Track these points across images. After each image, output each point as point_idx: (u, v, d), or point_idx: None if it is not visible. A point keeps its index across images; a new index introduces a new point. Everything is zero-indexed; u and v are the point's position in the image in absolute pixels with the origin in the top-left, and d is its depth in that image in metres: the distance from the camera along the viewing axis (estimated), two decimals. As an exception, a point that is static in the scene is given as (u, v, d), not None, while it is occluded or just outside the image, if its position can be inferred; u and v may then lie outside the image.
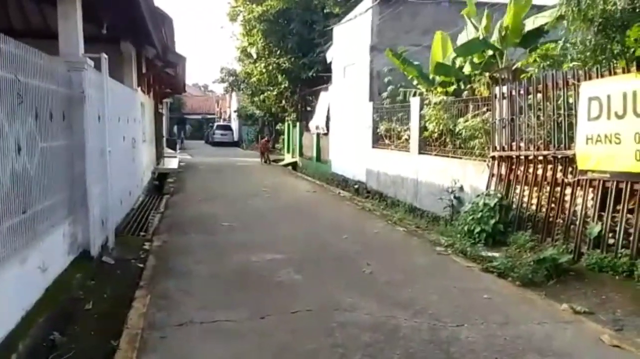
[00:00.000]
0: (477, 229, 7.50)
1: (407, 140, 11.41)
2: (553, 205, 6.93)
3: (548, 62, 8.05)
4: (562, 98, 6.88)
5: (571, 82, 6.77)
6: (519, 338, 4.31)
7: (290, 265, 6.32)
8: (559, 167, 6.92)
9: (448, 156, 9.62)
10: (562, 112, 6.87)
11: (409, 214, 10.26)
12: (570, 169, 6.75)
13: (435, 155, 10.04)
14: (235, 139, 44.17)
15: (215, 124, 49.30)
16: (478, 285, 5.78)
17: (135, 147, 10.42)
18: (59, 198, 5.55)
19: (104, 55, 6.60)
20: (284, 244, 7.51)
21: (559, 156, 6.88)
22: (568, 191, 6.74)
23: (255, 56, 22.97)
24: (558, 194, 6.86)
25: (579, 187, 6.55)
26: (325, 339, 4.11)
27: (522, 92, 7.67)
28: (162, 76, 17.21)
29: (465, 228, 7.70)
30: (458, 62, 10.72)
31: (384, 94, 13.14)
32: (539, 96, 7.33)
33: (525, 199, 7.44)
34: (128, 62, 11.50)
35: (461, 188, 9.04)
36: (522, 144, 7.64)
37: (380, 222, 9.58)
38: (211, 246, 7.37)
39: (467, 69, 10.44)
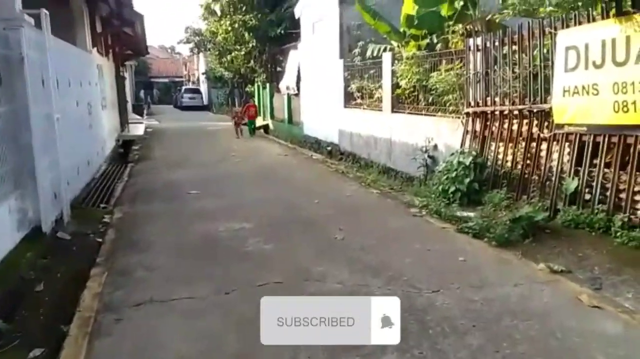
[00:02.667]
0: (452, 189, 7.30)
1: (379, 99, 11.04)
2: (529, 161, 6.74)
3: (524, 7, 7.67)
4: (538, 49, 6.58)
5: (548, 31, 6.47)
6: (495, 301, 4.14)
7: (259, 234, 6.02)
8: (535, 122, 6.70)
9: (421, 114, 9.32)
10: (538, 63, 6.58)
11: (382, 176, 10.02)
12: (546, 123, 6.54)
13: (409, 113, 9.73)
14: (205, 102, 43.05)
15: (183, 87, 47.86)
16: (453, 247, 5.60)
17: (92, 113, 9.80)
18: (1, 171, 5.08)
19: (44, 11, 5.96)
20: (253, 211, 7.18)
21: (535, 110, 6.64)
22: (544, 146, 6.54)
23: (219, 13, 21.92)
24: (534, 150, 6.66)
25: (555, 142, 6.36)
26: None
27: (496, 43, 7.34)
28: (121, 36, 16.28)
29: (440, 188, 7.49)
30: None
31: (355, 51, 12.64)
32: (515, 47, 7.01)
33: (501, 157, 7.25)
34: (80, 21, 10.73)
35: (435, 147, 8.79)
36: (497, 99, 7.37)
37: (353, 184, 9.32)
38: (176, 216, 7.00)
39: (436, 22, 10.02)
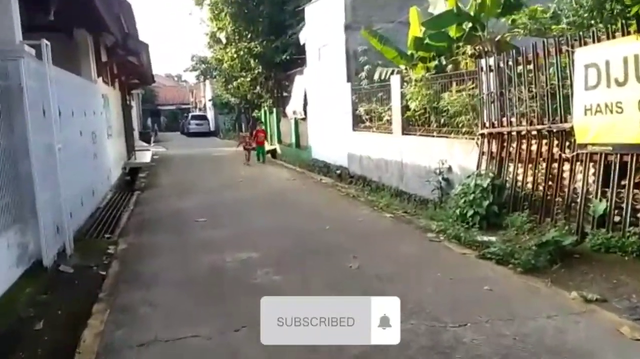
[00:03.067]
0: (470, 212, 6.99)
1: (388, 121, 10.84)
2: (550, 183, 6.44)
3: (536, 26, 7.50)
4: (554, 67, 6.35)
5: (564, 49, 6.24)
6: (529, 336, 3.80)
7: (268, 264, 5.72)
8: (555, 142, 6.42)
9: (433, 136, 9.07)
10: (555, 82, 6.34)
11: (395, 199, 9.72)
12: (567, 143, 6.26)
13: (420, 135, 9.50)
14: (212, 128, 43.18)
15: (190, 114, 48.11)
16: (476, 274, 5.27)
17: (97, 142, 9.64)
18: (1, 204, 4.87)
19: (45, 42, 5.82)
20: (260, 239, 6.90)
21: (555, 130, 6.37)
22: (566, 166, 6.25)
23: (225, 41, 22.01)
24: (555, 171, 6.37)
25: (578, 163, 6.07)
26: (308, 356, 3.53)
27: (510, 63, 7.12)
28: (127, 66, 16.30)
29: (457, 211, 7.18)
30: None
31: (362, 75, 12.51)
32: (530, 66, 6.79)
33: (520, 178, 6.95)
34: (84, 51, 10.66)
35: (449, 169, 8.52)
36: (513, 119, 7.12)
37: (365, 208, 9.03)
38: (182, 246, 6.72)
39: (444, 44, 9.88)
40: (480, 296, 4.67)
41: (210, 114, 45.46)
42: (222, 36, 21.98)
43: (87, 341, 3.90)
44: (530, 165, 6.82)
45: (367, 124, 11.96)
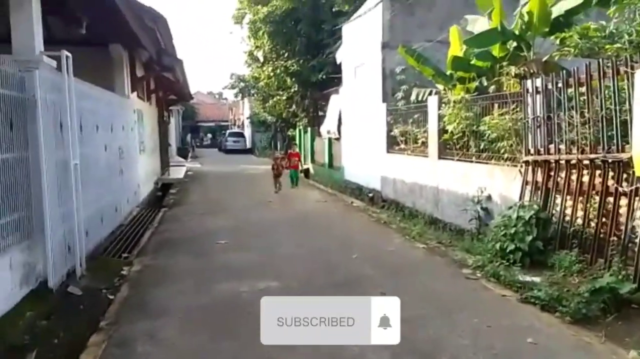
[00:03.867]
0: (511, 247, 6.34)
1: (424, 144, 10.28)
2: (604, 219, 5.74)
3: (588, 45, 6.88)
4: (611, 90, 5.70)
5: (623, 70, 5.60)
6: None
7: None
8: (610, 174, 5.73)
9: (472, 161, 8.47)
10: (612, 107, 5.69)
11: (429, 227, 9.11)
12: (624, 175, 5.56)
13: (458, 160, 8.90)
14: (248, 146, 43.48)
15: (228, 131, 48.69)
16: (518, 322, 4.65)
17: (125, 158, 9.48)
18: (6, 221, 4.62)
19: (66, 53, 5.64)
20: (282, 267, 6.46)
21: (610, 160, 5.69)
22: (623, 201, 5.55)
23: (262, 59, 22.05)
24: (610, 206, 5.67)
25: (637, 198, 5.36)
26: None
27: (559, 85, 6.51)
28: (164, 82, 16.40)
29: (497, 246, 6.54)
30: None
31: (398, 95, 12.04)
32: (582, 89, 6.16)
33: (569, 212, 6.26)
34: (119, 66, 10.64)
35: (489, 197, 7.88)
36: (562, 146, 6.47)
37: (396, 237, 8.47)
38: (198, 271, 6.34)
39: (487, 64, 9.33)
40: (522, 350, 4.07)
41: (247, 132, 45.87)
42: (259, 54, 22.05)
43: (74, 382, 3.52)
44: (580, 198, 6.13)
45: (402, 146, 11.43)
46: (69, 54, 5.74)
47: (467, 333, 4.36)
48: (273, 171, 14.95)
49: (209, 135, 59.03)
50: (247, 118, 43.89)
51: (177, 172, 19.71)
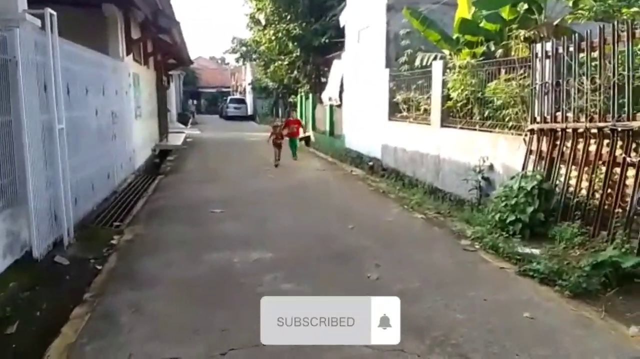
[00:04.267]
0: (511, 218, 6.15)
1: (427, 111, 9.98)
2: (610, 190, 5.51)
3: (603, 8, 6.51)
4: (625, 55, 5.37)
5: (639, 34, 5.27)
6: (580, 385, 3.05)
7: (279, 268, 5.11)
8: (619, 143, 5.47)
9: (475, 129, 8.18)
10: (625, 73, 5.37)
11: (428, 197, 8.91)
12: (634, 145, 5.31)
13: (461, 128, 8.62)
14: (250, 112, 43.06)
15: (229, 97, 48.10)
16: (515, 296, 4.49)
17: (118, 123, 9.23)
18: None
19: (50, 11, 5.32)
20: (277, 237, 6.31)
21: (620, 129, 5.41)
22: (631, 172, 5.31)
23: (264, 22, 21.43)
24: (617, 177, 5.44)
25: (646, 169, 5.13)
26: None
27: (571, 49, 6.17)
28: (161, 45, 15.96)
29: (497, 217, 6.35)
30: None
31: (402, 60, 11.64)
32: (595, 53, 5.83)
33: (573, 183, 6.04)
34: (113, 27, 10.28)
35: (491, 167, 7.65)
36: (569, 114, 6.18)
37: (395, 207, 8.28)
38: (191, 240, 6.19)
39: (495, 26, 8.92)
40: (518, 326, 3.91)
41: (249, 98, 45.33)
42: (261, 17, 21.41)
43: (51, 356, 3.39)
44: (586, 168, 5.89)
45: (404, 113, 11.12)
46: (54, 12, 5.42)
47: (463, 307, 4.20)
48: (271, 140, 13.68)
49: (204, 101, 58.24)
50: (249, 84, 43.29)
51: (176, 139, 19.45)
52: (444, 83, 9.01)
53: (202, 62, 65.12)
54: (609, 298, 4.41)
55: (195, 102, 52.50)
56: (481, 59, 8.58)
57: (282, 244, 6.00)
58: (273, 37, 20.72)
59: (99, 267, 5.27)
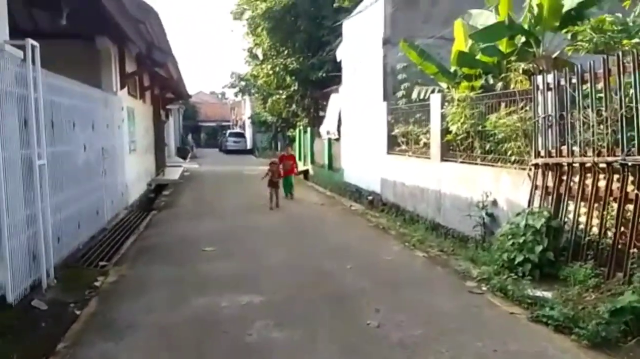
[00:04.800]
0: (520, 259, 5.80)
1: (426, 145, 9.75)
2: (623, 229, 5.19)
3: (603, 39, 6.35)
4: (633, 85, 5.15)
5: (645, 64, 5.06)
6: None
7: (270, 313, 4.74)
8: (630, 178, 5.19)
9: (477, 163, 7.93)
10: (633, 105, 5.14)
11: (430, 233, 8.58)
12: (646, 180, 5.03)
13: (461, 162, 8.36)
14: (249, 146, 43.05)
15: (228, 131, 48.22)
16: (528, 347, 4.11)
17: (109, 158, 8.97)
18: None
19: (31, 42, 5.12)
20: (269, 278, 5.94)
21: (630, 163, 5.14)
22: (645, 210, 5.01)
23: (261, 57, 21.53)
24: (630, 214, 5.13)
25: (661, 206, 4.83)
26: None
27: (574, 81, 5.96)
28: (157, 78, 15.90)
29: (504, 256, 6.00)
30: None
31: (399, 93, 11.51)
32: (600, 85, 5.62)
33: (582, 220, 5.73)
34: (106, 60, 10.17)
35: (494, 202, 7.35)
36: (575, 148, 5.92)
37: (395, 244, 7.93)
38: (177, 282, 5.82)
39: (493, 59, 8.79)
40: (534, 382, 3.53)
41: (248, 132, 45.41)
42: (258, 52, 21.52)
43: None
44: (596, 205, 5.58)
45: (403, 147, 10.89)
46: (36, 44, 5.22)
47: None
48: (269, 177, 12.08)
49: (204, 135, 58.55)
50: (248, 118, 43.44)
51: (173, 173, 19.20)
52: (443, 116, 8.81)
53: (202, 96, 65.74)
54: (631, 348, 4.03)
55: (194, 136, 52.61)
56: (480, 91, 8.40)
57: (275, 286, 5.64)
58: (271, 72, 20.76)
59: (78, 312, 4.90)
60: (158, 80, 16.29)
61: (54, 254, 5.72)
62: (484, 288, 5.55)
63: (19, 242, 4.86)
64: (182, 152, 35.12)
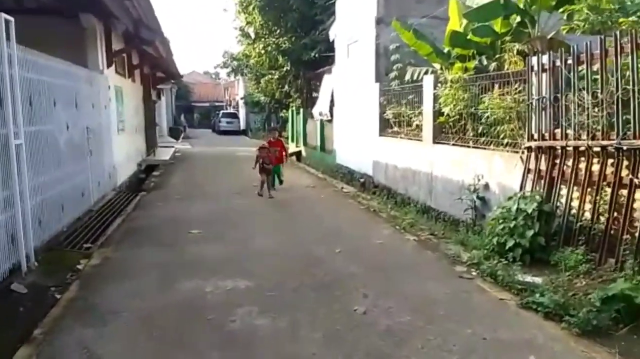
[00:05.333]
0: (510, 243, 5.72)
1: (419, 127, 9.59)
2: (616, 214, 5.11)
3: (600, 19, 6.19)
4: (630, 67, 5.01)
5: (644, 45, 4.91)
6: None
7: (255, 299, 4.64)
8: (625, 163, 5.08)
9: (469, 146, 7.80)
10: (630, 87, 5.00)
11: (421, 216, 8.49)
12: (641, 164, 4.92)
13: (454, 144, 8.23)
14: (242, 127, 42.68)
15: (221, 112, 47.74)
16: (518, 334, 4.03)
17: (94, 138, 8.76)
18: None
19: (5, 16, 4.87)
20: (256, 262, 5.83)
21: (625, 147, 5.03)
22: (639, 195, 4.91)
23: (253, 36, 21.13)
24: (624, 199, 5.04)
25: (656, 191, 4.73)
26: None
27: (569, 61, 5.81)
28: (148, 57, 15.57)
29: (494, 240, 5.92)
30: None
31: (392, 75, 11.30)
32: (596, 66, 5.47)
33: (575, 204, 5.63)
34: (92, 38, 9.88)
35: (486, 186, 7.24)
36: (569, 131, 5.80)
37: (386, 227, 7.83)
38: (162, 265, 5.69)
39: (487, 39, 8.60)
40: (523, 371, 3.45)
41: (241, 113, 44.99)
42: (250, 31, 21.11)
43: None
44: (589, 189, 5.49)
45: (395, 129, 10.73)
46: (10, 18, 4.98)
47: (460, 347, 3.74)
48: (258, 164, 10.82)
49: (197, 116, 58.02)
50: (241, 99, 42.98)
51: (165, 154, 18.98)
52: (436, 98, 8.64)
53: (195, 76, 64.91)
54: (622, 336, 3.97)
55: (187, 116, 52.09)
56: (473, 73, 8.23)
57: (262, 270, 5.53)
58: (263, 51, 20.41)
59: (58, 296, 4.77)
60: (147, 59, 15.96)
61: (35, 236, 5.56)
62: (473, 273, 5.48)
63: (-4, 224, 4.69)
64: (175, 133, 34.74)
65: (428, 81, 9.01)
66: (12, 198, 5.00)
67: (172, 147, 22.72)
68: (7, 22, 4.93)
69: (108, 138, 10.21)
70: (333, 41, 15.85)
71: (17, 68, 5.11)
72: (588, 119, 5.51)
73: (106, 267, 5.66)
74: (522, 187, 6.36)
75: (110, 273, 5.44)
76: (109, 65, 10.80)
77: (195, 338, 3.87)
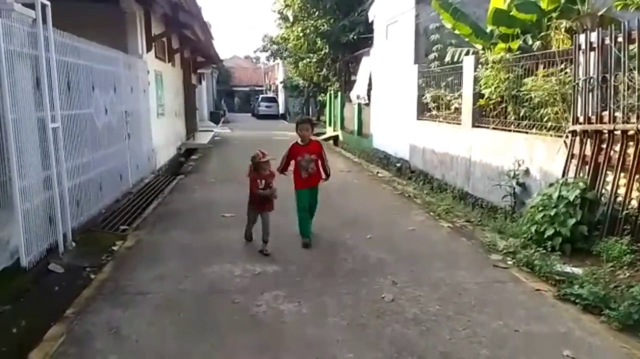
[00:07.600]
0: (550, 232, 5.46)
1: (458, 110, 9.28)
2: (667, 203, 4.78)
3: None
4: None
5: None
6: None
7: (282, 284, 4.61)
8: (678, 148, 4.73)
9: (510, 130, 7.48)
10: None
11: (458, 202, 8.26)
12: (697, 150, 4.56)
13: (494, 128, 7.92)
14: (281, 111, 42.80)
15: (261, 96, 48.02)
16: (553, 327, 3.84)
17: (133, 122, 8.92)
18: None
19: (41, 1, 4.97)
20: (286, 247, 5.81)
21: (679, 131, 4.68)
22: (693, 182, 4.57)
23: (292, 19, 20.98)
24: (676, 187, 4.70)
25: None
26: None
27: (620, 39, 5.42)
28: (189, 42, 15.72)
29: (533, 229, 5.67)
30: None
31: (431, 56, 10.96)
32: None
33: (622, 192, 5.30)
34: (131, 23, 10.02)
35: (527, 172, 6.94)
36: (618, 114, 5.44)
37: (420, 213, 7.65)
38: (193, 249, 5.75)
39: (533, 16, 8.16)
40: (557, 368, 3.28)
41: (280, 97, 45.09)
42: (289, 13, 20.96)
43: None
44: (637, 176, 5.15)
45: (434, 112, 10.44)
46: (47, 2, 5.08)
47: (489, 339, 3.60)
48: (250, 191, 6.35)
49: (237, 100, 58.49)
50: (281, 82, 43.04)
51: (203, 138, 19.26)
52: (476, 80, 8.32)
53: (237, 61, 65.41)
54: (666, 332, 3.72)
55: (227, 100, 52.70)
56: (517, 53, 7.84)
57: (291, 255, 5.50)
58: (301, 34, 20.25)
59: (92, 276, 4.90)
60: (188, 44, 16.12)
61: (73, 217, 5.73)
62: (509, 262, 5.27)
63: (33, 206, 4.84)
64: (215, 117, 35.22)
65: (468, 62, 8.67)
66: (50, 180, 5.14)
67: (212, 131, 23.02)
68: (43, 6, 5.02)
69: (147, 122, 10.39)
70: (372, 22, 15.53)
71: (53, 52, 5.21)
72: (638, 101, 5.14)
73: (138, 250, 5.76)
74: (564, 173, 6.05)
75: (142, 255, 5.53)
76: (148, 50, 10.95)
77: (220, 320, 3.89)
